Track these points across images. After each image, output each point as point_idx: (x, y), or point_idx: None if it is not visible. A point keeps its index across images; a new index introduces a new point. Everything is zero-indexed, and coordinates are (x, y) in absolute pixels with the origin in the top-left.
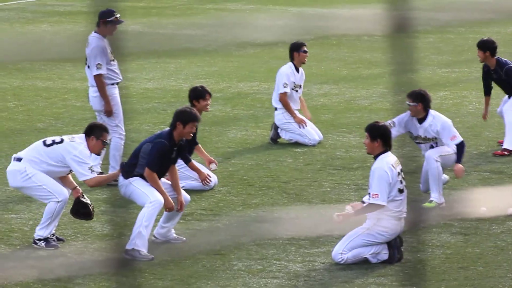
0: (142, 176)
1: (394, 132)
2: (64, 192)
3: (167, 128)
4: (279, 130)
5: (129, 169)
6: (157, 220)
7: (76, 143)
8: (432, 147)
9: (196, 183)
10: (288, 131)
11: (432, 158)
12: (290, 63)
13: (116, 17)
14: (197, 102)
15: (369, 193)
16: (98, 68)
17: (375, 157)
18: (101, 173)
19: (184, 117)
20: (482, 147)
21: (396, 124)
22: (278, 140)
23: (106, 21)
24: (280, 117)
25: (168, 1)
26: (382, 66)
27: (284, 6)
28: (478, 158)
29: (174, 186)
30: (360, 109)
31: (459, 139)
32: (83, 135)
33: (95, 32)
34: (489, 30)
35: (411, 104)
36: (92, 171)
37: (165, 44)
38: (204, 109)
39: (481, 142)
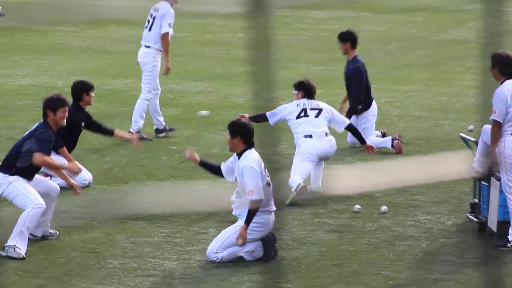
0: (22, 174)
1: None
2: None
3: (39, 122)
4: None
5: (8, 165)
6: None
7: None
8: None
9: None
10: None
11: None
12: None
13: None
14: (87, 95)
15: (237, 191)
16: None
17: (239, 155)
18: None
19: (52, 104)
20: (357, 144)
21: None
22: (160, 135)
23: None
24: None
25: None
26: (256, 64)
27: None
28: (353, 155)
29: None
30: (235, 107)
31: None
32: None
33: None
34: (363, 28)
35: (294, 92)
36: None
37: (39, 40)
38: (91, 102)
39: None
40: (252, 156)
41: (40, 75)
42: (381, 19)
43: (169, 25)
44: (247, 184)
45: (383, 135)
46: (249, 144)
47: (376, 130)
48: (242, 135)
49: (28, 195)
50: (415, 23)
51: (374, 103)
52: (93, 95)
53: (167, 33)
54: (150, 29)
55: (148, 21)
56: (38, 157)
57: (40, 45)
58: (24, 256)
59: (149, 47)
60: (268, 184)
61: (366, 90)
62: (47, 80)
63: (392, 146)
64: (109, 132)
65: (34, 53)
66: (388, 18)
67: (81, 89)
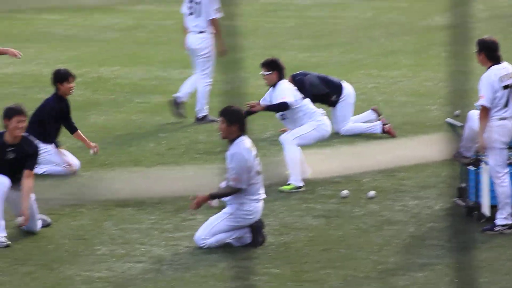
0: None
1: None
2: None
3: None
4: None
5: None
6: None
7: None
8: (284, 118)
9: (58, 168)
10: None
11: (288, 142)
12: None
13: None
14: (61, 85)
15: (228, 178)
16: None
17: (231, 142)
18: None
19: (6, 113)
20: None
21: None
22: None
23: None
24: None
25: None
26: (242, 51)
27: None
28: (340, 139)
29: (21, 197)
30: (221, 94)
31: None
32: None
33: None
34: (349, 14)
35: (266, 73)
36: None
37: (24, 28)
38: (68, 92)
39: None
40: (244, 144)
41: (25, 63)
42: (366, 6)
43: (216, 10)
44: (231, 170)
45: (376, 111)
46: (243, 131)
47: (363, 112)
48: (240, 122)
49: None
50: (401, 9)
51: (346, 86)
52: (71, 85)
53: (216, 18)
54: (199, 15)
55: (192, 7)
56: None
57: (26, 33)
58: (9, 243)
59: (203, 32)
60: (258, 172)
61: (324, 82)
62: (32, 68)
63: (384, 131)
64: (73, 129)
65: (19, 42)
66: (373, 4)
67: (55, 79)
